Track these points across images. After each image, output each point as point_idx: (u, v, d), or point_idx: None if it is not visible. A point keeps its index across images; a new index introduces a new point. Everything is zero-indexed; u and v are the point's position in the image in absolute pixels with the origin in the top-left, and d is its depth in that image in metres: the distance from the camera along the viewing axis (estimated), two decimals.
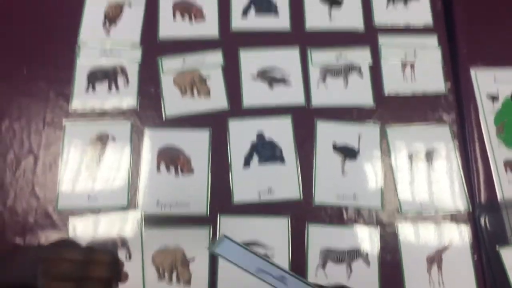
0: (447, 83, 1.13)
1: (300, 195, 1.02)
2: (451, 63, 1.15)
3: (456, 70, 1.15)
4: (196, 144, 1.06)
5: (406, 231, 1.00)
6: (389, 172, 1.04)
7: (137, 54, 1.14)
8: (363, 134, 1.08)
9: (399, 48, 1.16)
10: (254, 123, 1.08)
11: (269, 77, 1.12)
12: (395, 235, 0.99)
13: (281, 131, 1.08)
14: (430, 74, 1.14)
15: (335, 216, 1.01)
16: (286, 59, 1.15)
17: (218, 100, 1.10)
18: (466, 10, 1.20)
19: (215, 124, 1.07)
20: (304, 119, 1.09)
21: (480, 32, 1.17)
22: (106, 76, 1.11)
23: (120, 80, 1.11)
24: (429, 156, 1.06)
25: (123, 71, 1.12)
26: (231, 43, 1.15)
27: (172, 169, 1.03)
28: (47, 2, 1.18)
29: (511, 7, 1.20)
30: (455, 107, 1.11)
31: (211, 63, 1.13)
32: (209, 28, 1.17)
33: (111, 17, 1.17)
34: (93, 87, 1.10)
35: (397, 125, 1.09)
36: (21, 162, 1.03)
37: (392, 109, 1.10)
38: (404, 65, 1.15)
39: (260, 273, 0.55)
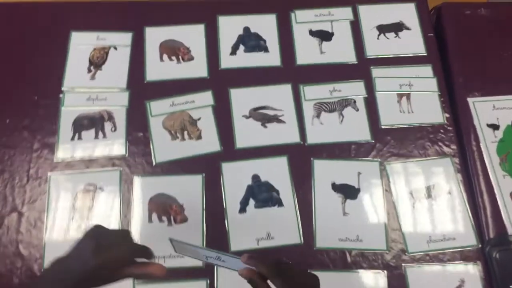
0: (444, 114, 1.09)
1: (300, 239, 0.97)
2: (448, 93, 1.12)
3: (453, 99, 1.12)
4: (189, 190, 1.01)
5: (414, 274, 0.94)
6: (392, 211, 1.00)
7: (124, 98, 1.10)
8: (362, 171, 1.03)
9: (394, 79, 1.13)
10: (248, 165, 1.04)
11: (261, 116, 1.09)
12: (403, 279, 0.94)
13: (277, 171, 1.03)
14: (427, 105, 1.11)
15: (339, 260, 0.96)
16: (278, 96, 1.11)
17: (210, 142, 1.06)
18: (459, 39, 1.17)
19: (208, 168, 1.03)
20: (301, 158, 1.04)
21: (475, 60, 1.15)
22: (92, 123, 1.07)
23: (107, 126, 1.07)
24: (432, 191, 1.01)
25: (110, 117, 1.08)
26: (221, 82, 1.12)
27: (165, 219, 0.98)
28: (29, 49, 1.14)
29: (504, 33, 1.18)
30: (455, 138, 1.07)
31: (201, 104, 1.09)
32: (197, 68, 1.14)
33: (96, 61, 1.14)
34: (79, 135, 1.06)
35: (397, 161, 1.04)
36: (4, 220, 0.97)
37: (391, 143, 1.06)
38: (399, 96, 1.11)
39: (208, 259, 0.71)
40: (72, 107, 1.08)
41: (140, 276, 0.67)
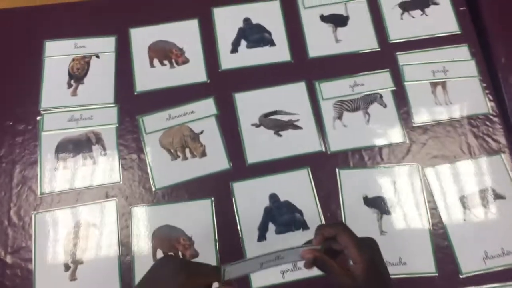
0: (489, 102, 0.93)
1: None
2: (489, 76, 0.95)
3: (496, 84, 0.95)
4: (197, 218, 0.86)
5: None
6: (438, 224, 0.84)
7: (113, 115, 0.94)
8: (398, 180, 0.87)
9: (425, 65, 0.96)
10: (264, 183, 0.89)
11: (274, 123, 0.93)
12: None
13: (298, 188, 0.88)
14: (466, 93, 0.94)
15: None
16: (291, 97, 0.95)
17: (216, 159, 0.90)
18: (497, 11, 1.00)
19: (217, 191, 0.88)
20: (324, 169, 0.89)
21: None
22: (78, 147, 0.92)
23: (96, 150, 0.92)
24: (484, 197, 0.85)
25: (99, 139, 0.92)
26: (223, 86, 0.96)
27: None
28: None
29: None
30: (505, 130, 0.90)
31: (202, 115, 0.94)
32: (194, 71, 0.98)
33: (77, 73, 0.98)
34: (64, 163, 0.90)
35: (438, 164, 0.89)
36: None
37: (428, 143, 0.90)
38: (434, 86, 0.95)
39: (263, 266, 0.65)
40: (53, 130, 0.93)
41: None
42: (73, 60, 0.99)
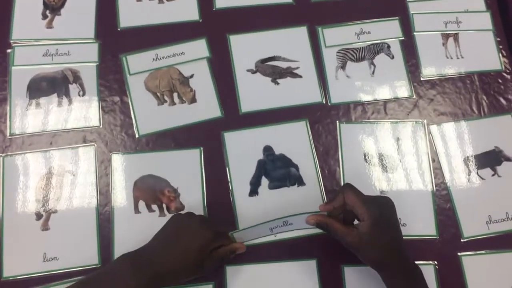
0: (502, 58, 0.86)
1: None
2: (505, 30, 0.89)
3: (511, 39, 0.88)
4: (183, 169, 0.79)
5: (472, 264, 0.75)
6: (442, 186, 0.79)
7: (93, 52, 0.85)
8: (402, 136, 0.81)
9: (437, 15, 0.89)
10: (258, 134, 0.82)
11: (271, 70, 0.85)
12: (458, 270, 0.75)
13: (294, 141, 0.81)
14: (479, 47, 0.88)
15: None
16: (290, 42, 0.87)
17: (207, 106, 0.83)
18: None
19: (207, 140, 0.80)
20: (324, 122, 0.82)
21: None
22: (53, 85, 0.83)
23: (73, 90, 0.83)
24: (493, 158, 0.80)
25: (76, 77, 0.83)
26: (217, 26, 0.87)
27: (155, 208, 0.77)
28: None
29: None
30: None
31: (193, 57, 0.85)
32: (185, 8, 0.88)
33: (53, 3, 0.87)
34: (37, 103, 0.81)
35: (446, 121, 0.83)
36: None
37: (436, 99, 0.84)
38: (445, 37, 0.88)
39: (273, 231, 0.69)
40: (25, 65, 0.83)
41: (227, 255, 0.68)
42: None
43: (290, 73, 0.85)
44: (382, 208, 0.65)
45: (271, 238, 0.75)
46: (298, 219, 0.68)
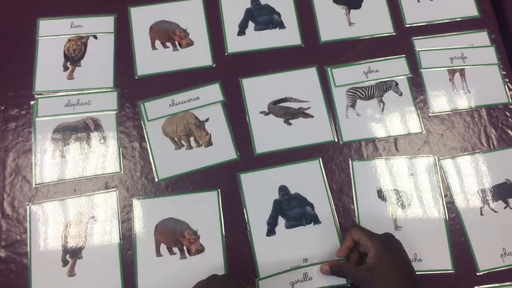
0: (509, 91, 0.89)
1: None
2: (510, 64, 0.91)
3: None
4: (202, 211, 0.82)
5: None
6: (455, 220, 0.81)
7: (112, 100, 0.89)
8: (413, 172, 0.84)
9: (442, 51, 0.91)
10: (273, 174, 0.84)
11: (283, 111, 0.88)
12: None
13: (309, 180, 0.84)
14: (486, 81, 0.90)
15: None
16: (301, 83, 0.90)
17: (223, 148, 0.86)
18: None
19: (224, 182, 0.83)
20: (337, 160, 0.84)
21: None
22: (75, 134, 0.86)
23: (95, 138, 0.86)
24: (505, 191, 0.82)
25: (97, 125, 0.87)
26: (229, 71, 0.91)
27: (177, 251, 0.80)
28: None
29: None
30: None
31: (208, 101, 0.88)
32: (199, 54, 0.92)
33: (73, 55, 0.91)
34: (60, 152, 0.85)
35: (456, 155, 0.85)
36: None
37: (446, 134, 0.86)
38: (451, 73, 0.90)
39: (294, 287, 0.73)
40: (48, 116, 0.87)
41: None
42: (69, 40, 0.92)
43: (301, 113, 0.88)
44: (387, 240, 0.69)
45: None
46: (317, 271, 0.74)
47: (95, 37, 0.93)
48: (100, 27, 0.93)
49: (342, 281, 0.74)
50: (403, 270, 0.66)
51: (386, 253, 0.65)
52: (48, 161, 0.85)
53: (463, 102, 0.88)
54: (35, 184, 0.83)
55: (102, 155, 0.85)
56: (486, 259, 0.78)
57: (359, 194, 0.82)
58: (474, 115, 0.87)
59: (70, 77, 0.90)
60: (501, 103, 0.88)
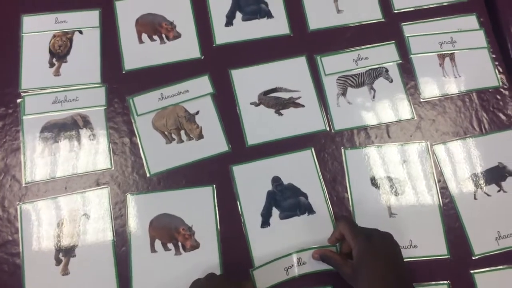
0: (499, 75, 0.88)
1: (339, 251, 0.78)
2: (499, 47, 0.91)
3: (506, 55, 0.90)
4: (197, 206, 0.81)
5: (484, 281, 0.77)
6: (449, 205, 0.81)
7: (100, 96, 0.87)
8: (406, 159, 0.83)
9: (431, 36, 0.91)
10: (265, 165, 0.84)
11: (274, 101, 0.87)
12: None
13: (302, 170, 0.83)
14: (476, 65, 0.90)
15: None
16: (291, 73, 0.89)
17: (214, 141, 0.85)
18: None
19: (218, 175, 0.82)
20: (329, 149, 0.84)
21: None
22: (64, 131, 0.85)
23: (84, 134, 0.85)
24: (498, 174, 0.82)
25: (86, 122, 0.86)
26: (218, 62, 0.89)
27: (171, 247, 0.79)
28: None
29: None
30: None
31: (197, 94, 0.87)
32: (187, 47, 0.91)
33: (59, 51, 0.90)
34: (49, 150, 0.84)
35: (448, 141, 0.85)
36: None
37: (438, 119, 0.86)
38: (441, 58, 0.90)
39: (288, 272, 0.74)
40: (35, 114, 0.86)
41: None
42: (54, 36, 0.91)
43: (292, 103, 0.87)
44: (372, 238, 0.66)
45: (284, 277, 0.76)
46: (309, 256, 0.75)
47: (81, 32, 0.91)
48: (85, 21, 0.92)
49: None
50: (389, 276, 0.62)
51: (367, 254, 0.63)
52: (38, 160, 0.83)
53: (454, 87, 0.88)
54: (25, 183, 0.82)
55: (92, 151, 0.84)
56: (481, 243, 0.79)
57: (352, 182, 0.82)
58: (465, 99, 0.87)
59: (57, 73, 0.89)
60: (491, 87, 0.88)
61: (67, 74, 0.89)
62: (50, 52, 0.90)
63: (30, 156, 0.84)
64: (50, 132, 0.85)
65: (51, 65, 0.89)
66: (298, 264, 0.75)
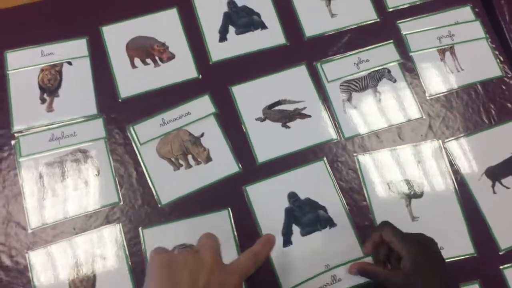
0: (501, 64, 0.88)
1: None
2: (497, 36, 0.90)
3: (505, 43, 0.90)
4: (216, 232, 0.77)
5: None
6: (470, 202, 0.80)
7: (99, 127, 0.84)
8: (420, 159, 0.82)
9: (429, 32, 0.90)
10: (279, 182, 0.81)
11: (279, 114, 0.85)
12: (503, 285, 0.75)
13: (317, 182, 0.81)
14: (477, 57, 0.89)
15: None
16: (293, 83, 0.87)
17: (224, 162, 0.82)
18: None
19: (230, 197, 0.80)
20: (341, 157, 0.82)
21: None
22: (65, 169, 0.81)
23: (87, 170, 0.81)
24: None
25: (87, 156, 0.82)
26: (217, 80, 0.87)
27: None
28: None
29: None
30: None
31: (200, 115, 0.84)
32: (183, 67, 0.88)
33: (49, 85, 0.86)
34: (52, 191, 0.80)
35: (460, 136, 0.84)
36: None
37: (447, 115, 0.85)
38: (442, 53, 0.89)
39: None
40: (33, 155, 0.82)
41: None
42: (42, 70, 0.86)
43: (298, 114, 0.85)
44: (422, 243, 0.65)
45: None
46: (345, 271, 0.72)
47: (70, 63, 0.87)
48: (73, 52, 0.88)
49: None
50: (443, 278, 0.62)
51: (422, 259, 0.62)
52: (41, 203, 0.79)
53: (458, 81, 0.87)
54: (31, 229, 0.78)
55: (98, 187, 0.80)
56: (506, 237, 0.78)
57: (369, 189, 0.80)
58: (471, 92, 0.86)
59: (50, 109, 0.84)
60: (495, 77, 0.87)
61: (61, 109, 0.84)
62: (40, 87, 0.86)
63: (33, 199, 0.79)
64: (51, 172, 0.80)
65: (43, 101, 0.85)
66: (333, 281, 0.72)
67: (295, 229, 0.78)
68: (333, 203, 0.80)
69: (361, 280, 0.72)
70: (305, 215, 0.79)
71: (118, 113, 0.84)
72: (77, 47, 0.88)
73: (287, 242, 0.77)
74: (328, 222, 0.79)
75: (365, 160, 0.82)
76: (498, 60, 0.88)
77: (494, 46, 0.89)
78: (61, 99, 0.85)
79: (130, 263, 0.76)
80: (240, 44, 0.89)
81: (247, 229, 0.78)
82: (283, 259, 0.77)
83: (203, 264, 0.56)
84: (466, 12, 0.91)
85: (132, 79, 0.87)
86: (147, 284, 0.55)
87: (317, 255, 0.77)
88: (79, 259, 0.76)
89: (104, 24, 0.89)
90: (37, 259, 0.76)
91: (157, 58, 0.88)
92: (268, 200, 0.80)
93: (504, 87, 0.86)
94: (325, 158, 0.82)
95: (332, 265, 0.76)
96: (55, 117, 0.84)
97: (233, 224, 0.78)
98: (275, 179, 0.81)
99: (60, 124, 0.83)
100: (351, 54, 0.88)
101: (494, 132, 0.83)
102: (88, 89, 0.86)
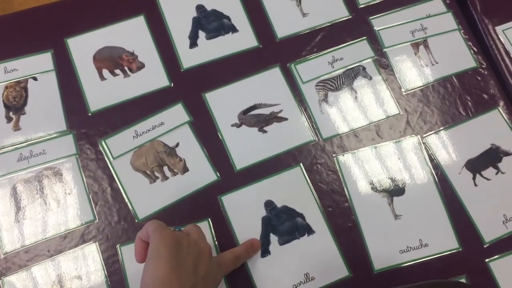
0: (474, 55, 0.87)
1: (348, 270, 0.75)
2: (470, 26, 0.90)
3: (478, 35, 0.89)
4: None
5: (501, 268, 0.75)
6: (452, 196, 0.79)
7: (69, 144, 0.81)
8: (401, 155, 0.81)
9: (402, 26, 0.89)
10: (254, 190, 0.79)
11: (255, 119, 0.83)
12: (490, 278, 0.75)
13: (293, 188, 0.79)
14: (451, 49, 0.88)
15: (410, 279, 0.74)
16: (267, 86, 0.85)
17: (201, 172, 0.80)
18: None
19: (210, 207, 0.77)
20: (320, 159, 0.80)
21: None
22: (35, 190, 0.78)
23: (59, 190, 0.78)
24: (492, 156, 0.81)
25: (57, 175, 0.79)
26: (189, 87, 0.84)
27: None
28: None
29: None
30: (496, 81, 0.86)
31: (173, 124, 0.82)
32: (153, 76, 0.85)
33: (14, 103, 0.82)
34: (24, 213, 0.77)
35: (438, 130, 0.83)
36: None
37: (424, 110, 0.84)
38: (415, 47, 0.88)
39: None
40: (1, 176, 0.78)
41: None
42: (6, 88, 0.83)
43: (275, 117, 0.83)
44: None
45: None
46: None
47: (35, 78, 0.84)
48: (38, 66, 0.84)
49: (345, 273, 0.74)
50: None
51: None
52: (13, 225, 0.76)
53: (433, 74, 0.86)
54: (3, 254, 0.75)
55: (72, 206, 0.78)
56: (490, 230, 0.77)
57: (350, 190, 0.79)
58: (447, 85, 0.86)
59: (16, 128, 0.81)
60: (470, 68, 0.87)
61: (28, 127, 0.81)
62: (5, 105, 0.82)
63: (3, 223, 0.76)
64: (22, 194, 0.77)
65: (9, 119, 0.82)
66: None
67: (273, 238, 0.76)
68: (311, 210, 0.78)
69: (334, 276, 0.72)
70: (282, 223, 0.77)
71: (89, 127, 0.81)
72: (42, 61, 0.85)
73: (265, 252, 0.76)
74: (307, 230, 0.77)
75: (344, 160, 0.81)
76: (472, 51, 0.87)
77: (467, 37, 0.88)
78: (28, 116, 0.82)
79: (109, 282, 0.73)
80: (211, 49, 0.87)
81: (225, 239, 0.76)
82: (261, 269, 0.75)
83: (202, 254, 0.61)
84: (437, 4, 0.90)
85: (101, 92, 0.84)
86: (154, 262, 0.55)
87: (296, 264, 0.75)
88: (55, 283, 0.73)
89: (69, 36, 0.86)
90: (11, 285, 0.73)
91: (126, 68, 0.85)
92: (244, 209, 0.78)
93: (479, 78, 0.86)
94: (301, 164, 0.80)
95: (312, 274, 0.74)
96: (22, 136, 0.81)
97: (214, 235, 0.76)
98: (251, 187, 0.79)
99: (28, 142, 0.80)
100: (325, 53, 0.87)
101: (472, 124, 0.83)
102: (55, 105, 0.83)
